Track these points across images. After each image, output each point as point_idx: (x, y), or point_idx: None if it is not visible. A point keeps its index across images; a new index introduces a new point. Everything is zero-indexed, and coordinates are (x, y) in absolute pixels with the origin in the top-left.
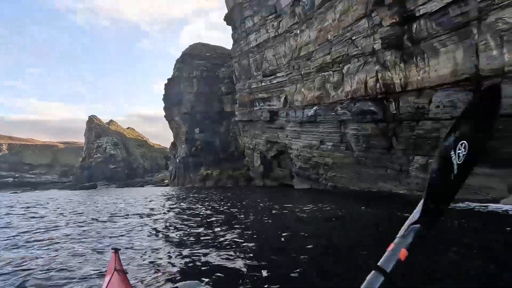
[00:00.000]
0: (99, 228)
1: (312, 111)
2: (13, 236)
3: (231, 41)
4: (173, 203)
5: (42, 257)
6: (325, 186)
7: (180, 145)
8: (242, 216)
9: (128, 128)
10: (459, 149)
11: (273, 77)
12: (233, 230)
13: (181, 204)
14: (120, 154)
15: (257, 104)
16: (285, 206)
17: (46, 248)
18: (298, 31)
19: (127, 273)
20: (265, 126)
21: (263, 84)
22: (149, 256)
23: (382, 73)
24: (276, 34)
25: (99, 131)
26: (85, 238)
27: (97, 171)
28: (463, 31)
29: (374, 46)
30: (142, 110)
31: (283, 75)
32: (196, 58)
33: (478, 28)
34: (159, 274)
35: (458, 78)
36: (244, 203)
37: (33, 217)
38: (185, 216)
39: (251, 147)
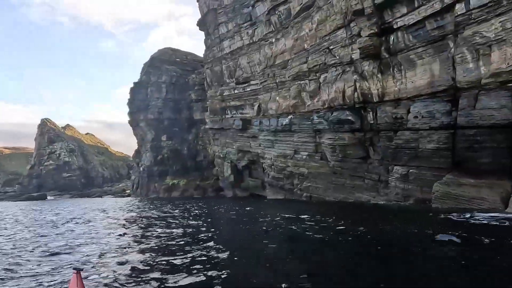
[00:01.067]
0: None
1: (287, 120)
2: None
3: (202, 48)
4: (134, 216)
5: None
6: (300, 196)
7: (145, 153)
8: (215, 231)
9: (87, 134)
10: None
11: (246, 84)
12: (203, 245)
13: (143, 218)
14: (76, 162)
15: (229, 112)
16: (259, 216)
17: None
18: (274, 40)
19: None
20: (237, 135)
21: (236, 91)
22: (111, 277)
23: (360, 82)
24: (251, 41)
25: (53, 136)
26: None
27: (48, 180)
28: (439, 44)
29: (352, 56)
30: (102, 115)
31: (257, 83)
32: (166, 63)
33: (455, 42)
34: None
35: (435, 89)
36: (216, 215)
37: None
38: (149, 232)
39: (221, 156)
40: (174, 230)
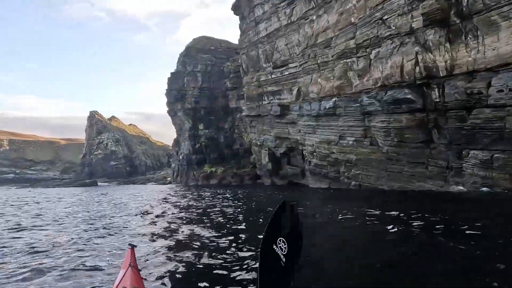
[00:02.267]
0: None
1: (330, 103)
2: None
3: (234, 36)
4: (182, 201)
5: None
6: (348, 185)
7: (184, 142)
8: (261, 216)
9: (130, 124)
10: (280, 244)
11: (284, 68)
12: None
13: (190, 202)
14: (121, 151)
15: (266, 98)
16: (336, 213)
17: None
18: (315, 17)
19: (140, 270)
20: (274, 121)
21: (273, 76)
22: (162, 254)
23: (423, 55)
24: (289, 21)
25: (100, 127)
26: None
27: (98, 168)
28: None
29: (413, 25)
30: (141, 107)
31: (296, 66)
32: (201, 52)
33: None
34: (170, 273)
35: None
36: (260, 201)
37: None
38: (197, 216)
39: (258, 143)
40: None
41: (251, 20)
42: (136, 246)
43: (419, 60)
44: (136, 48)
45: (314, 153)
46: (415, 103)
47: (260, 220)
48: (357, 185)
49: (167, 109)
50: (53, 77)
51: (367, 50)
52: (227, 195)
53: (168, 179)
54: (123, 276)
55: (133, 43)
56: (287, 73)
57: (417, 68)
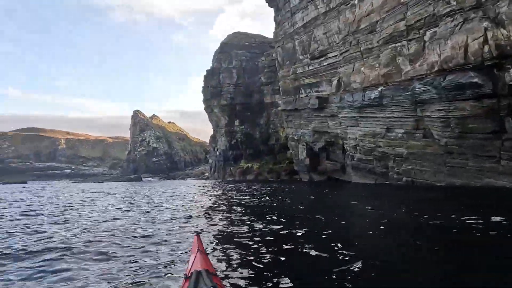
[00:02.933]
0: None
1: (376, 93)
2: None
3: (267, 30)
4: (227, 195)
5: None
6: (397, 180)
7: (220, 138)
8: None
9: (169, 122)
10: None
11: (323, 58)
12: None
13: (235, 196)
14: (162, 148)
15: (303, 91)
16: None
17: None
18: (356, 1)
19: (207, 253)
20: (312, 115)
21: (310, 67)
22: (227, 240)
23: (494, 31)
24: (327, 9)
25: (143, 126)
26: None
27: (142, 164)
28: None
29: None
30: (179, 106)
31: (336, 55)
32: (235, 48)
33: None
34: (234, 256)
35: None
36: (307, 197)
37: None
38: (248, 209)
39: (295, 138)
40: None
41: (286, 11)
42: (200, 233)
43: (489, 37)
44: (174, 47)
45: (357, 147)
46: (483, 88)
47: (319, 216)
48: (409, 181)
49: (204, 106)
50: (101, 80)
51: (420, 31)
52: (266, 189)
53: (206, 174)
54: (193, 260)
55: (171, 42)
56: (325, 63)
57: (486, 47)
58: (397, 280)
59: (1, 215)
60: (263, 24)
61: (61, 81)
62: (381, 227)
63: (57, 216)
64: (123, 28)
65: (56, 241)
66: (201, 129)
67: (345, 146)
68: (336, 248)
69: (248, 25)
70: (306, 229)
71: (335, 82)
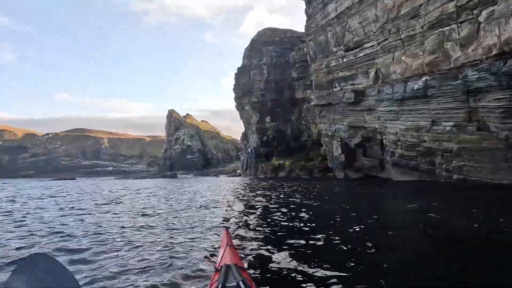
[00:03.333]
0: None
1: (420, 83)
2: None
3: (297, 24)
4: (260, 191)
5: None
6: (447, 178)
7: (251, 135)
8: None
9: (202, 121)
10: None
11: (358, 49)
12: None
13: (268, 193)
14: (196, 146)
15: (337, 84)
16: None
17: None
18: None
19: (236, 248)
20: (347, 109)
21: (345, 60)
22: (255, 234)
23: None
24: None
25: (177, 124)
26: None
27: (177, 161)
28: None
29: None
30: (211, 104)
31: (373, 45)
32: (265, 44)
33: None
34: (263, 251)
35: None
36: (346, 195)
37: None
38: (281, 206)
39: (329, 134)
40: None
41: (318, 2)
42: (229, 228)
43: None
44: (205, 47)
45: (398, 142)
46: None
47: (354, 214)
48: (461, 179)
49: (235, 104)
50: (137, 81)
51: (474, 11)
52: (299, 186)
53: (238, 171)
54: (223, 254)
55: (202, 42)
56: (361, 54)
57: None
58: None
59: (118, 212)
60: (294, 20)
61: (101, 85)
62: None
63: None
64: (157, 31)
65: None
66: (231, 127)
67: (384, 141)
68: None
69: (278, 21)
70: (347, 230)
71: (372, 74)
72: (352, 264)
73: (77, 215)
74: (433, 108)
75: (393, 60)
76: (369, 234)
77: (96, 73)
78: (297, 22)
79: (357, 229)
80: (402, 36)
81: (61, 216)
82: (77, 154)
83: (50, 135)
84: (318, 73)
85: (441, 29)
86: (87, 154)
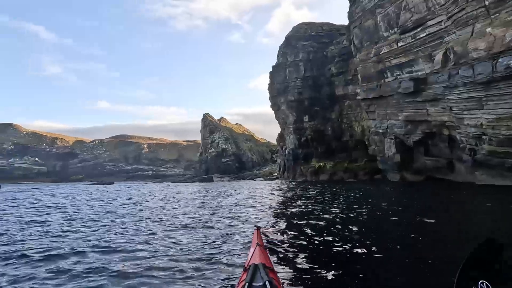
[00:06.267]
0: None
1: None
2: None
3: (327, 20)
4: (300, 195)
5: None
6: None
7: (288, 136)
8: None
9: (236, 124)
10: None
11: (419, 29)
12: None
13: (309, 198)
14: (230, 149)
15: (389, 74)
16: None
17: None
18: None
19: (266, 248)
20: (404, 101)
21: (400, 44)
22: (286, 236)
23: None
24: None
25: (212, 128)
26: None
27: (212, 165)
28: None
29: None
30: (241, 108)
31: (440, 21)
32: (301, 39)
33: None
34: (293, 252)
35: None
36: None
37: None
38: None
39: (380, 131)
40: None
41: None
42: (261, 227)
43: None
44: (233, 48)
45: (484, 137)
46: None
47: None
48: None
49: (270, 103)
50: (168, 87)
51: None
52: (344, 191)
53: (275, 174)
54: (252, 254)
55: (230, 43)
56: (423, 34)
57: None
58: None
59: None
60: (321, 13)
61: (135, 92)
62: None
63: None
64: (184, 35)
65: None
66: (264, 129)
67: (458, 136)
68: None
69: (305, 16)
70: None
71: (439, 56)
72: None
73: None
74: None
75: (472, 34)
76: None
77: (130, 81)
78: (325, 16)
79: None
80: (486, 3)
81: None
82: (120, 159)
83: (96, 141)
84: (365, 63)
85: None
86: (129, 159)
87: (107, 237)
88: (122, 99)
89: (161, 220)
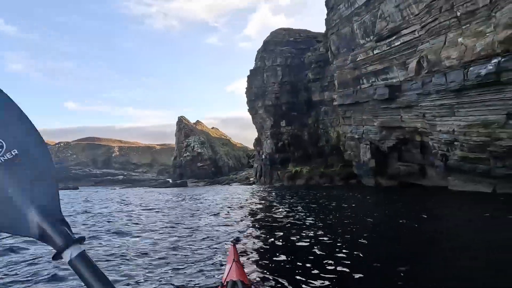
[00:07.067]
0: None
1: (490, 67)
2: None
3: (303, 26)
4: (277, 202)
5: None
6: None
7: (265, 141)
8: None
9: (212, 128)
10: None
11: (394, 38)
12: None
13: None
14: (206, 153)
15: (365, 80)
16: None
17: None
18: None
19: (243, 264)
20: (379, 108)
21: (376, 51)
22: (263, 250)
23: None
24: None
25: (188, 131)
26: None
27: (187, 169)
28: None
29: None
30: (218, 112)
31: (414, 30)
32: (279, 44)
33: None
34: (271, 268)
35: None
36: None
37: None
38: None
39: (356, 136)
40: None
41: None
42: (237, 243)
43: None
44: (209, 52)
45: (456, 143)
46: None
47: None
48: None
49: (247, 107)
50: (142, 88)
51: None
52: (321, 196)
53: (251, 179)
54: (229, 270)
55: (206, 46)
56: (398, 43)
57: None
58: None
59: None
60: (297, 20)
61: (107, 93)
62: None
63: None
64: (159, 36)
65: None
66: (240, 134)
67: (430, 142)
68: None
69: (282, 22)
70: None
71: (413, 64)
72: None
73: None
74: (509, 97)
75: (445, 44)
76: None
77: (103, 80)
78: (301, 23)
79: None
80: (458, 14)
81: None
82: (88, 162)
83: (62, 144)
84: (342, 69)
85: None
86: (98, 163)
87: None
88: (94, 100)
89: (120, 233)
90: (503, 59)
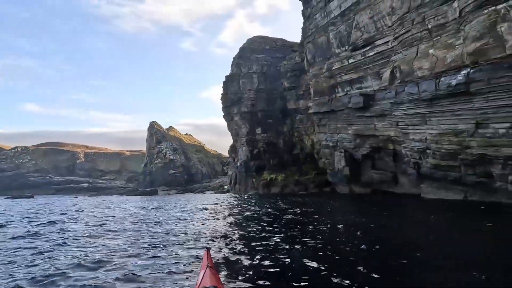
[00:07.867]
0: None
1: (460, 77)
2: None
3: (279, 34)
4: (253, 210)
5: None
6: (510, 195)
7: (241, 148)
8: None
9: (186, 134)
10: None
11: (369, 47)
12: None
13: (262, 212)
14: (179, 160)
15: (340, 89)
16: None
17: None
18: None
19: (217, 269)
20: (353, 116)
21: (351, 61)
22: (238, 256)
23: None
24: None
25: (159, 137)
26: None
27: (158, 177)
28: None
29: None
30: (191, 118)
31: (387, 41)
32: (256, 52)
33: None
34: (246, 274)
35: None
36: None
37: None
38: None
39: (330, 144)
40: None
41: (318, 1)
42: (210, 249)
43: None
44: (183, 57)
45: (428, 151)
46: None
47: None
48: None
49: (223, 114)
50: (111, 92)
51: None
52: (295, 204)
53: (225, 187)
54: (203, 277)
55: (180, 50)
56: (372, 53)
57: None
58: None
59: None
60: (274, 29)
61: (74, 95)
62: None
63: None
64: (131, 38)
65: None
66: (215, 141)
67: (403, 151)
68: None
69: (257, 30)
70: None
71: (387, 74)
72: None
73: None
74: (477, 107)
75: (417, 55)
76: None
77: (69, 82)
78: (276, 32)
79: None
80: (429, 26)
81: None
82: (49, 169)
83: (19, 149)
84: (318, 78)
85: (491, 7)
86: (60, 169)
87: None
88: (58, 102)
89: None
90: (472, 70)
